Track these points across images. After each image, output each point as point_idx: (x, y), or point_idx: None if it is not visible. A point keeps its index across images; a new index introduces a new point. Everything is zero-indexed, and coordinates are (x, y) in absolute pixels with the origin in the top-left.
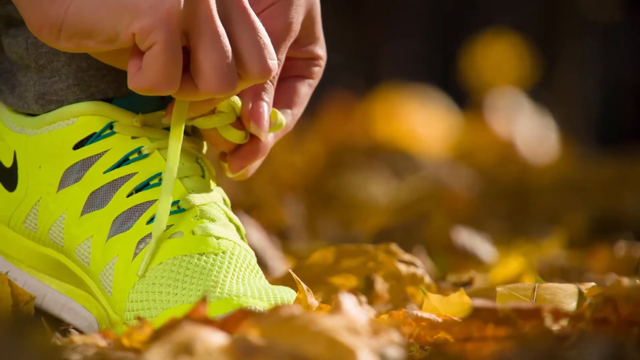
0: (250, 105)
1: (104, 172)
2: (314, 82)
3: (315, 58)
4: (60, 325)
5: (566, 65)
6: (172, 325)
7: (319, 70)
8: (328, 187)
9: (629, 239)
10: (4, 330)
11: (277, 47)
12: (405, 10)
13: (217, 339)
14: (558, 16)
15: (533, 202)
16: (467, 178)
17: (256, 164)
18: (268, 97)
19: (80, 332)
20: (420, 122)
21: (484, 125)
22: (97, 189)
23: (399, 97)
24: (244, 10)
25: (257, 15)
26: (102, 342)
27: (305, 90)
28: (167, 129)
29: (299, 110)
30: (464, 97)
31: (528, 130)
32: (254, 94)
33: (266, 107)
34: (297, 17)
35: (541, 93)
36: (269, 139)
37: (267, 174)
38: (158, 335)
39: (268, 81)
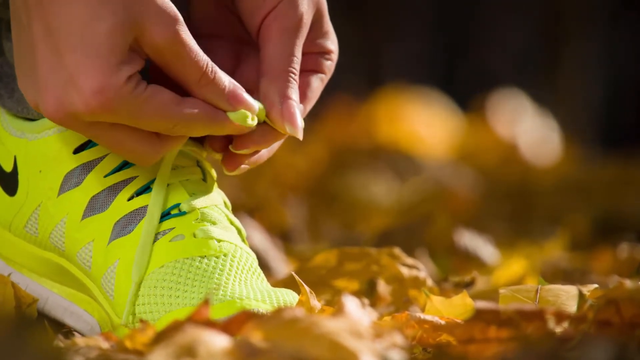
0: (281, 107)
1: (105, 176)
2: (326, 77)
3: (326, 52)
4: (62, 328)
5: (569, 67)
6: (174, 328)
7: (330, 65)
8: (330, 189)
9: (632, 240)
10: (7, 332)
11: (292, 44)
12: (408, 12)
13: (219, 341)
14: (560, 17)
15: (535, 204)
16: (470, 179)
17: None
18: (295, 95)
19: (83, 335)
20: (423, 123)
21: (486, 126)
22: (97, 193)
23: (402, 98)
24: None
25: (265, 17)
26: (105, 345)
27: (317, 84)
28: None
29: (310, 104)
30: (467, 99)
31: (531, 132)
32: (281, 94)
33: (296, 105)
34: (307, 11)
35: (544, 94)
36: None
37: (270, 175)
38: (160, 337)
39: (292, 79)
